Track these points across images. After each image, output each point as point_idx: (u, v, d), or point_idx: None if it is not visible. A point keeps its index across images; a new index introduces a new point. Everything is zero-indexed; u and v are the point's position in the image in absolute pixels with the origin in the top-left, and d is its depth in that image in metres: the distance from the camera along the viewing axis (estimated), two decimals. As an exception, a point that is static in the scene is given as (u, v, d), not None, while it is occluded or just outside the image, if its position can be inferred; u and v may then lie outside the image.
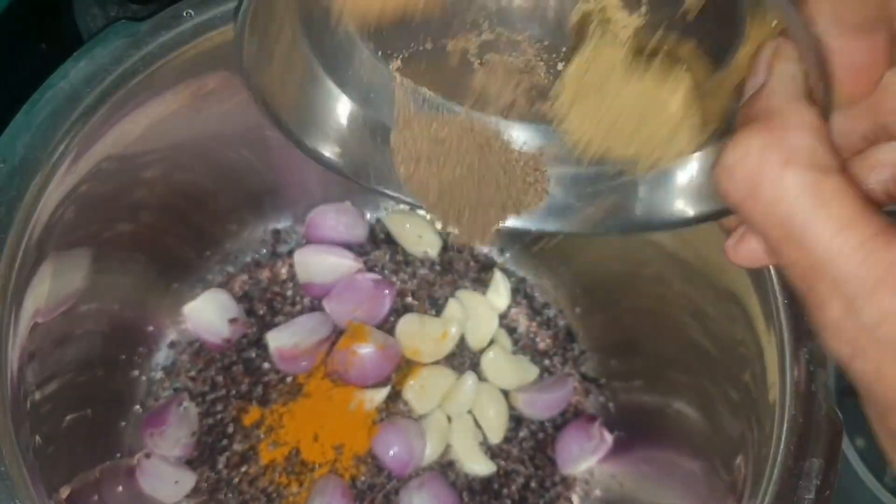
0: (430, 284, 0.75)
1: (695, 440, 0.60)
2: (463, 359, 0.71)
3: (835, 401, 0.63)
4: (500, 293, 0.75)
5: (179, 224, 0.69)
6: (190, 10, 0.54)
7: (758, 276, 0.52)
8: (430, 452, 0.67)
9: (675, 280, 0.63)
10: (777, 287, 0.51)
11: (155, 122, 0.58)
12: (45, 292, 0.54)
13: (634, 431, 0.69)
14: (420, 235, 0.76)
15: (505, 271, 0.77)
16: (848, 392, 0.77)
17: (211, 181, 0.69)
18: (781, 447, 0.47)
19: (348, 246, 0.75)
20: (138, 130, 0.57)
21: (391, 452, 0.65)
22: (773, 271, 0.51)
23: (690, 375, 0.62)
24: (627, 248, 0.68)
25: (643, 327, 0.69)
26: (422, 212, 0.78)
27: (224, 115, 0.64)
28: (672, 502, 0.60)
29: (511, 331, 0.75)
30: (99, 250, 0.60)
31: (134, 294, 0.67)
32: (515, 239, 0.77)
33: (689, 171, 0.42)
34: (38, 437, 0.51)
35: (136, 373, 0.69)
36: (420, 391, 0.68)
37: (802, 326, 0.49)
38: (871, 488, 0.63)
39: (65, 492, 0.55)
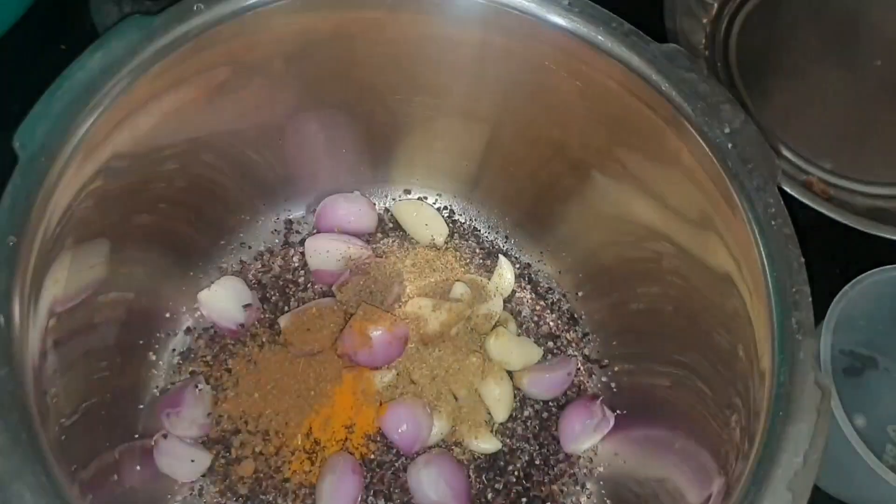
0: (438, 270, 0.77)
1: (691, 415, 0.62)
2: (469, 340, 0.73)
3: (829, 373, 0.65)
4: (504, 277, 0.77)
5: (194, 214, 0.72)
6: (200, 4, 0.57)
7: (746, 253, 0.54)
8: (438, 431, 0.69)
9: (671, 263, 0.65)
10: (765, 262, 0.52)
11: (170, 114, 0.61)
12: (64, 281, 0.55)
13: (636, 410, 0.71)
14: (427, 223, 0.78)
15: (509, 257, 0.80)
16: (848, 372, 0.79)
17: (225, 173, 0.71)
18: (771, 414, 0.49)
19: (358, 234, 0.77)
20: (153, 122, 0.60)
21: (399, 430, 0.67)
22: (761, 246, 0.53)
23: (688, 353, 0.64)
24: (626, 235, 0.70)
25: (643, 309, 0.71)
26: (430, 201, 0.80)
27: (237, 108, 0.66)
28: (670, 475, 0.62)
29: (516, 314, 0.77)
30: (116, 240, 0.62)
31: (150, 282, 0.70)
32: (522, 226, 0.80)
33: None
34: (61, 420, 0.53)
35: (153, 357, 0.71)
36: (428, 372, 0.70)
37: (789, 298, 0.51)
38: (871, 466, 0.64)
39: (87, 472, 0.57)
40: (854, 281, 0.70)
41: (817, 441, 0.48)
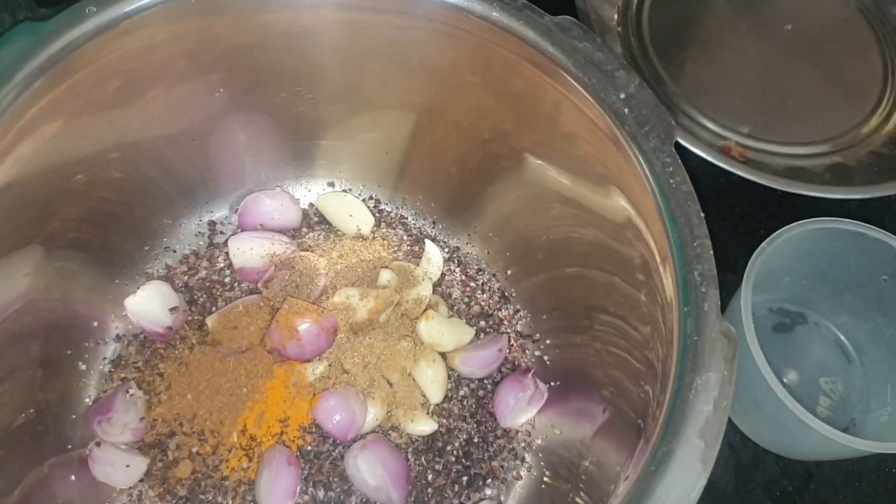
0: (365, 259, 0.77)
1: (616, 379, 0.63)
2: (400, 326, 0.73)
3: (752, 326, 0.66)
4: (432, 262, 0.77)
5: (114, 221, 0.71)
6: (92, 7, 0.57)
7: (649, 212, 0.55)
8: (373, 417, 0.69)
9: (588, 233, 0.66)
10: (666, 219, 0.53)
11: (73, 120, 0.60)
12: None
13: (568, 381, 0.72)
14: (351, 214, 0.79)
15: (438, 242, 0.80)
16: (778, 328, 0.80)
17: (142, 177, 0.71)
18: (680, 366, 0.50)
19: (283, 230, 0.77)
20: (56, 129, 0.59)
21: (333, 420, 0.67)
22: (661, 204, 0.54)
23: (610, 320, 0.65)
24: (546, 211, 0.71)
25: (568, 282, 0.72)
26: (355, 193, 0.81)
27: (145, 111, 0.66)
28: (599, 439, 0.63)
29: (447, 297, 0.78)
30: (38, 253, 0.62)
31: (74, 293, 0.69)
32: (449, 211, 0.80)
33: None
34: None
35: (83, 367, 0.71)
36: (360, 360, 0.70)
37: (691, 252, 0.52)
38: (803, 420, 0.65)
39: (18, 491, 0.57)
40: (771, 237, 0.71)
41: (726, 389, 0.49)
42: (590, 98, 0.58)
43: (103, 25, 0.57)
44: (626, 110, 0.57)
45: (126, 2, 0.58)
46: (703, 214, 0.54)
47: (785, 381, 0.78)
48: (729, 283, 0.83)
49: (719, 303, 0.51)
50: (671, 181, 0.54)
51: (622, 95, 0.57)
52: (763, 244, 0.71)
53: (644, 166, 0.55)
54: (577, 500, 0.61)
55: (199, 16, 0.62)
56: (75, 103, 0.60)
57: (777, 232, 0.71)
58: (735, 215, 0.88)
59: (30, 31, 0.55)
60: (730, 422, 0.78)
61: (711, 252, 0.53)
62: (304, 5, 0.65)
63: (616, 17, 0.96)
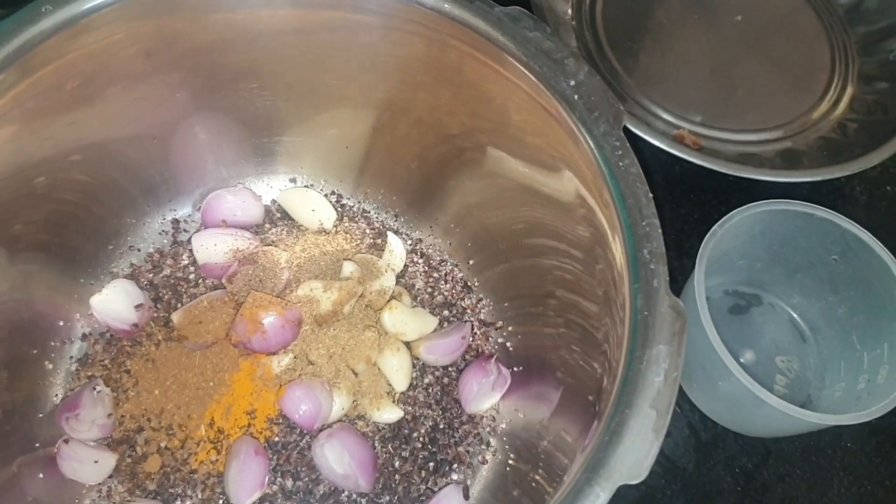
0: (328, 253, 0.78)
1: (574, 360, 0.64)
2: (365, 317, 0.74)
3: (705, 305, 0.68)
4: (395, 254, 0.79)
5: (77, 221, 0.72)
6: (49, 6, 0.58)
7: (601, 193, 0.57)
8: (339, 407, 0.70)
9: (545, 217, 0.68)
10: (616, 200, 0.55)
11: (32, 120, 0.61)
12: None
13: (530, 365, 0.74)
14: (314, 209, 0.80)
15: (401, 234, 0.81)
16: (734, 310, 0.82)
17: (104, 176, 0.72)
18: (631, 340, 0.51)
19: (246, 227, 0.78)
20: (14, 130, 0.60)
21: (300, 410, 0.68)
22: (611, 186, 0.55)
23: (567, 303, 0.67)
24: (505, 200, 0.73)
25: (528, 270, 0.73)
26: (317, 188, 0.82)
27: (105, 110, 0.67)
28: (559, 419, 0.64)
29: (410, 287, 0.79)
30: (1, 255, 0.63)
31: (38, 292, 0.70)
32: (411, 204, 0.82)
33: None
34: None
35: (50, 367, 0.71)
36: (325, 351, 0.71)
37: (640, 231, 0.54)
38: (759, 396, 0.67)
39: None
40: (723, 219, 0.73)
41: (675, 360, 0.50)
42: (540, 85, 0.60)
43: (60, 24, 0.58)
44: (575, 97, 0.59)
45: (82, 0, 0.58)
46: (651, 195, 0.55)
47: (742, 360, 0.80)
48: (685, 268, 0.85)
49: (668, 279, 0.53)
50: (620, 164, 0.56)
51: (572, 83, 0.59)
52: (715, 227, 0.72)
53: (594, 150, 0.57)
54: (537, 477, 0.63)
55: (156, 14, 0.63)
56: (33, 104, 0.60)
57: (728, 214, 0.73)
58: (689, 202, 0.90)
59: (-15, 32, 0.56)
60: (689, 401, 0.79)
61: (660, 231, 0.54)
62: (258, 3, 0.66)
63: (570, 11, 0.98)
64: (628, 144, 0.57)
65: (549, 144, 0.62)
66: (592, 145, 0.57)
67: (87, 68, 0.63)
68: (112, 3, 0.60)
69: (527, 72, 0.60)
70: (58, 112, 0.63)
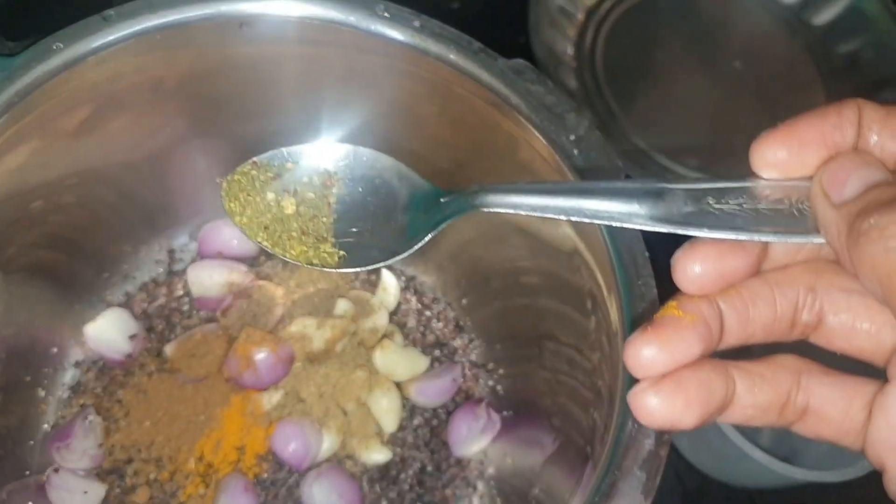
0: (322, 289, 0.78)
1: (566, 409, 0.65)
2: (356, 355, 0.74)
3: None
4: (388, 292, 0.79)
5: (75, 248, 0.72)
6: (59, 43, 0.58)
7: (598, 250, 0.57)
8: (328, 446, 0.70)
9: (540, 265, 0.68)
10: (613, 258, 0.56)
11: (38, 151, 0.61)
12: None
13: (520, 410, 0.74)
14: (310, 243, 0.80)
15: (395, 270, 0.82)
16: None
17: (104, 205, 0.72)
18: (624, 394, 0.52)
19: (242, 259, 0.79)
20: (20, 160, 0.60)
21: (289, 448, 0.68)
22: (608, 244, 0.56)
23: (561, 348, 0.67)
24: (500, 241, 0.73)
25: (521, 312, 0.74)
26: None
27: (110, 141, 0.67)
28: (550, 468, 0.65)
29: (402, 325, 0.79)
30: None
31: (33, 319, 0.70)
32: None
33: None
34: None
35: (42, 393, 0.71)
36: (315, 389, 0.72)
37: (636, 290, 0.54)
38: (742, 449, 0.68)
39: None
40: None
41: (666, 423, 0.51)
42: (541, 138, 0.60)
43: (70, 61, 0.58)
44: (575, 151, 0.59)
45: (93, 38, 0.59)
46: (647, 255, 0.56)
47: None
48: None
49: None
50: (618, 222, 0.57)
51: (572, 137, 0.60)
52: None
53: (591, 206, 0.57)
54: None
55: (165, 49, 0.64)
56: (40, 134, 0.60)
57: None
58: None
59: (-1, 67, 0.56)
60: (676, 450, 0.80)
61: (655, 290, 0.55)
62: (267, 40, 0.66)
63: (571, 51, 0.99)
64: (626, 202, 0.57)
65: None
66: (590, 201, 0.57)
67: (93, 100, 0.63)
68: (122, 41, 0.60)
69: (528, 124, 0.61)
70: (62, 141, 0.63)
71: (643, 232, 0.57)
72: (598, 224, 0.55)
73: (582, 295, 0.61)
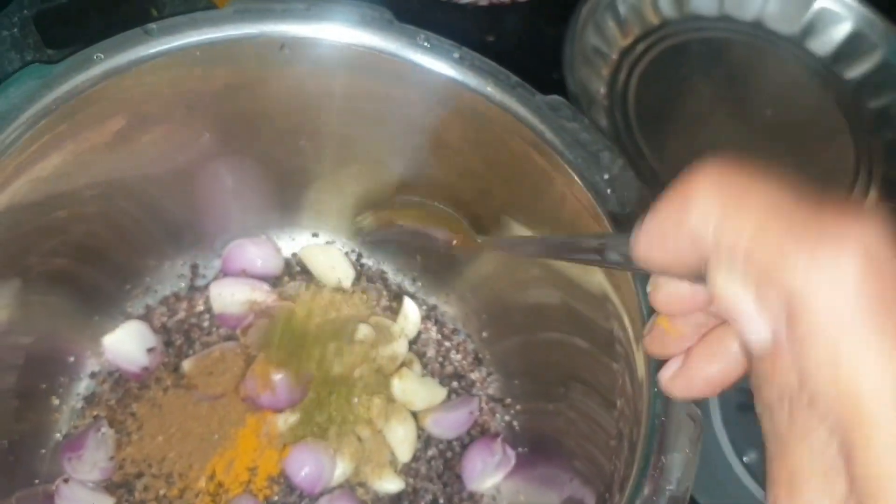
0: (343, 314, 0.78)
1: (584, 450, 0.64)
2: (374, 382, 0.74)
3: (715, 405, 0.68)
4: (409, 320, 0.78)
5: (99, 259, 0.72)
6: (100, 54, 0.58)
7: (627, 290, 0.57)
8: (341, 472, 0.70)
9: (569, 305, 0.68)
10: (641, 298, 0.55)
11: (70, 160, 0.62)
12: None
13: (536, 448, 0.73)
14: (333, 266, 0.80)
15: (416, 299, 0.81)
16: (742, 407, 0.82)
17: (131, 218, 0.72)
18: (647, 444, 0.51)
19: (265, 278, 0.78)
20: (53, 168, 0.60)
21: (302, 473, 0.68)
22: (637, 285, 0.55)
23: (583, 391, 0.66)
24: (524, 276, 0.73)
25: (541, 349, 0.73)
26: (338, 245, 0.82)
27: (141, 155, 0.67)
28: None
29: (421, 355, 0.79)
30: (18, 285, 0.63)
31: (53, 327, 0.70)
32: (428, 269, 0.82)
33: None
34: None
35: (56, 402, 0.71)
36: (331, 414, 0.71)
37: (664, 334, 0.54)
38: (760, 500, 0.67)
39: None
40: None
41: (689, 469, 0.50)
42: (574, 176, 0.60)
43: (110, 72, 0.58)
44: (608, 190, 0.59)
45: (134, 50, 0.59)
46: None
47: (745, 460, 0.80)
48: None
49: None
50: (648, 264, 0.56)
51: (606, 176, 0.59)
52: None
53: (623, 247, 0.57)
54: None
55: (203, 65, 0.64)
56: (73, 143, 0.61)
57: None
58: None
59: (37, 73, 0.56)
60: (694, 499, 0.79)
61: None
62: (306, 63, 0.66)
63: (603, 90, 0.99)
64: (657, 244, 0.57)
65: (577, 231, 0.62)
66: (622, 241, 0.57)
67: (129, 112, 0.63)
68: (161, 55, 0.60)
69: (562, 161, 0.61)
70: (96, 151, 0.63)
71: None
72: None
73: (608, 338, 0.61)
